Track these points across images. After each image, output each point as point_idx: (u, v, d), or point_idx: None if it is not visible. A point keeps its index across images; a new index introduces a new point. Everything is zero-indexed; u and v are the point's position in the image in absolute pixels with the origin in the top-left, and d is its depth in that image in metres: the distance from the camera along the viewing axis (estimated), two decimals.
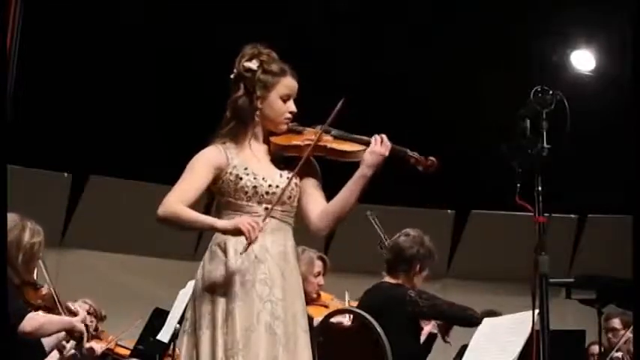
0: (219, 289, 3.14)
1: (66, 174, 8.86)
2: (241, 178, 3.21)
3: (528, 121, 3.25)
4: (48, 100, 8.09)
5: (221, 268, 3.16)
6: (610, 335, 6.32)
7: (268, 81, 3.28)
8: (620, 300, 4.81)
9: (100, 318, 5.85)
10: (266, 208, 3.19)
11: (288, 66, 3.35)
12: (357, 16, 8.14)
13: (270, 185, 3.22)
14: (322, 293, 5.55)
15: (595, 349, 6.47)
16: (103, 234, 8.84)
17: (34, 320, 3.99)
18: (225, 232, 3.13)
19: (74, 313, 4.49)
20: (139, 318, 6.10)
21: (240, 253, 3.10)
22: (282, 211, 3.24)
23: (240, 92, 3.29)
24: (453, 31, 8.27)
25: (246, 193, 3.21)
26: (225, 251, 3.17)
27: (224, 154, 3.26)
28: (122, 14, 7.96)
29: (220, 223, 3.15)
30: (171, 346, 5.43)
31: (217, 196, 3.29)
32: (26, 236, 4.12)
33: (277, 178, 3.25)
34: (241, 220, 3.08)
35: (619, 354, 5.96)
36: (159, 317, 5.59)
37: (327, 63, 8.03)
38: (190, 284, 5.42)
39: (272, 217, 3.20)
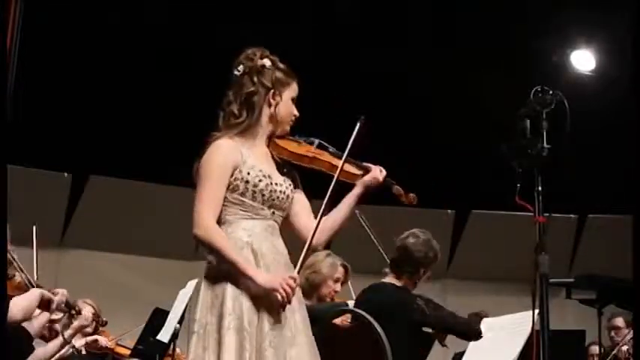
0: (245, 289, 3.11)
1: (66, 174, 8.86)
2: (260, 181, 3.20)
3: (528, 121, 3.25)
4: (48, 100, 8.09)
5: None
6: (612, 334, 6.32)
7: (283, 80, 3.31)
8: (620, 300, 4.81)
9: (101, 323, 5.84)
10: (273, 212, 3.22)
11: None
12: (356, 16, 8.14)
13: (281, 191, 3.25)
14: (335, 300, 5.53)
15: (595, 349, 6.47)
16: (103, 234, 8.84)
17: None
18: (258, 290, 3.08)
19: (72, 307, 4.51)
20: (138, 318, 6.09)
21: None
22: (281, 216, 3.28)
23: (255, 88, 3.27)
24: (453, 31, 8.27)
25: (263, 196, 3.20)
26: (254, 252, 3.16)
27: (239, 151, 3.22)
28: (122, 14, 7.96)
29: (260, 278, 3.08)
30: (172, 346, 5.43)
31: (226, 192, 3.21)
32: None
33: (284, 184, 3.28)
34: (279, 283, 3.06)
35: (625, 347, 5.96)
36: (159, 317, 5.58)
37: (326, 63, 8.04)
38: (190, 284, 5.45)
39: (275, 222, 3.24)
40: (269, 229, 3.21)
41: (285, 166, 3.32)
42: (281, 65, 3.33)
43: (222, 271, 3.13)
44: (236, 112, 3.27)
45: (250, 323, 3.06)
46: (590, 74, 8.57)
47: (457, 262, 9.46)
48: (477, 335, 4.54)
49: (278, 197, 3.23)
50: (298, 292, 3.21)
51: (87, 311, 5.32)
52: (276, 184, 3.23)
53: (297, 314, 3.19)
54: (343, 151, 3.31)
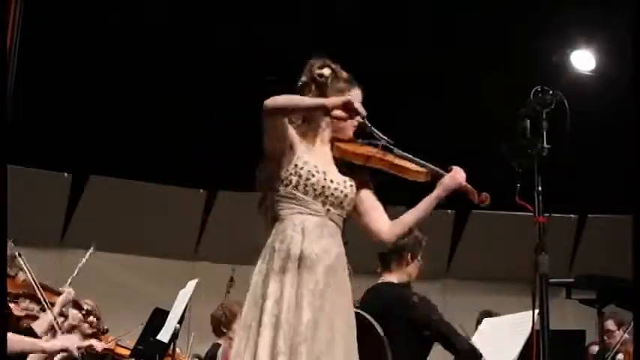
0: (287, 274, 3.17)
1: (66, 174, 8.86)
2: (313, 175, 3.25)
3: (528, 121, 3.25)
4: (48, 100, 8.09)
5: (294, 253, 3.19)
6: (605, 337, 6.32)
7: (342, 87, 3.38)
8: (620, 300, 4.80)
9: (101, 330, 5.83)
10: (328, 210, 3.26)
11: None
12: (356, 17, 8.14)
13: (336, 188, 3.28)
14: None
15: (595, 348, 6.48)
16: (103, 234, 8.84)
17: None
18: (333, 108, 3.19)
19: (79, 307, 4.50)
20: (138, 318, 6.09)
21: (363, 118, 3.24)
22: (339, 215, 3.31)
23: (312, 95, 3.36)
24: (453, 31, 8.27)
25: (315, 190, 3.25)
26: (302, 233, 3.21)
27: (297, 141, 3.30)
28: (122, 15, 7.96)
29: (329, 100, 3.22)
30: (172, 346, 5.42)
31: (278, 185, 3.28)
32: None
33: (342, 183, 3.32)
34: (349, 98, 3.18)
35: (620, 356, 5.96)
36: (159, 317, 5.58)
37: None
38: (190, 284, 5.45)
39: (332, 220, 3.28)
40: (322, 227, 3.25)
41: (349, 167, 3.37)
42: (341, 74, 3.42)
43: (266, 269, 3.20)
44: (294, 119, 3.34)
45: (287, 321, 3.10)
46: (590, 74, 8.57)
47: (457, 262, 9.46)
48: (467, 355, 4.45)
49: (332, 194, 3.27)
50: (347, 293, 3.26)
51: (74, 312, 5.30)
52: (331, 180, 3.28)
53: (338, 317, 3.21)
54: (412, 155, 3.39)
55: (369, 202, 3.42)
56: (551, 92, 3.26)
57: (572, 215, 9.58)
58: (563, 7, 7.74)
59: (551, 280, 3.15)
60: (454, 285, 9.22)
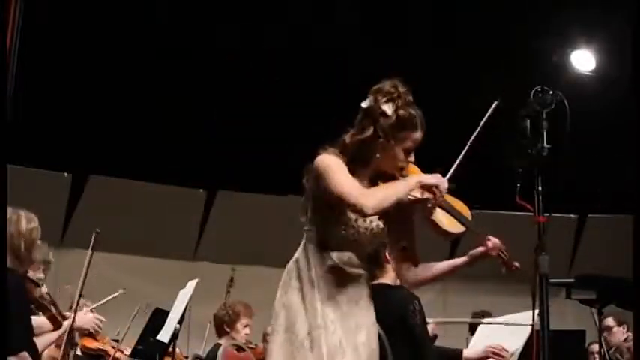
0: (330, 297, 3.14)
1: (66, 174, 8.86)
2: (367, 229, 3.18)
3: (528, 121, 3.25)
4: (48, 100, 8.10)
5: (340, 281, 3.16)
6: (605, 334, 6.33)
7: (398, 135, 3.20)
8: (620, 300, 4.81)
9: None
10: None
11: (419, 114, 3.30)
12: (356, 17, 8.14)
13: (377, 225, 3.21)
14: None
15: (595, 347, 6.48)
16: (103, 234, 8.82)
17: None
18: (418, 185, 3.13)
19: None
20: (138, 318, 6.10)
21: (431, 211, 3.18)
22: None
23: (368, 134, 3.19)
24: (453, 31, 8.27)
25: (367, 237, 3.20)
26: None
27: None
28: (122, 15, 7.96)
29: (420, 178, 3.17)
30: (172, 346, 5.42)
31: (325, 209, 3.16)
32: (23, 224, 4.18)
33: (376, 220, 3.21)
34: (432, 179, 3.14)
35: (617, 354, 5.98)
36: (159, 317, 5.58)
37: (326, 63, 8.04)
38: (190, 284, 5.45)
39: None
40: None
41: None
42: (406, 111, 3.23)
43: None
44: (348, 141, 3.21)
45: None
46: (590, 74, 8.57)
47: None
48: None
49: (373, 228, 3.20)
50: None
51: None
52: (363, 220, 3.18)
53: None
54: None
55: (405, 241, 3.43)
56: (551, 92, 3.25)
57: (572, 215, 9.58)
58: (563, 7, 7.74)
59: (551, 280, 3.14)
60: (454, 285, 9.20)
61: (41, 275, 4.77)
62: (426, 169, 3.37)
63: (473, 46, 8.20)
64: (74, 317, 4.69)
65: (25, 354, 3.87)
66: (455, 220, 3.35)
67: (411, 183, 3.13)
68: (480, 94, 8.15)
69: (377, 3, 8.14)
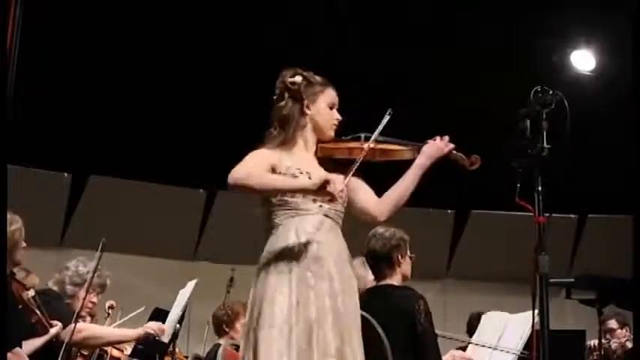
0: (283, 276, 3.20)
1: (66, 174, 8.86)
2: (297, 177, 3.26)
3: (528, 121, 3.25)
4: (48, 100, 8.09)
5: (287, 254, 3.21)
6: (608, 336, 6.32)
7: (315, 90, 3.42)
8: (620, 300, 4.81)
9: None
10: (320, 206, 3.27)
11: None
12: (357, 17, 8.14)
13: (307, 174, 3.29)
14: None
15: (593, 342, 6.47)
16: (103, 234, 8.83)
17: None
18: (311, 190, 3.15)
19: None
20: (138, 318, 6.09)
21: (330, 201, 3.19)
22: (336, 211, 3.33)
23: (286, 102, 3.40)
24: (453, 31, 8.27)
25: None
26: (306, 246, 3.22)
27: (276, 157, 3.31)
28: (122, 15, 7.96)
29: (309, 184, 3.17)
30: (172, 346, 5.42)
31: (268, 197, 3.31)
32: None
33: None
34: (327, 177, 3.12)
35: (614, 345, 5.98)
36: (159, 317, 5.58)
37: (326, 63, 8.02)
38: (190, 284, 5.45)
39: (327, 216, 3.29)
40: (320, 224, 3.26)
41: (335, 164, 3.38)
42: (314, 78, 3.45)
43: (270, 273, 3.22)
44: (273, 129, 3.40)
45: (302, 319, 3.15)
46: (590, 74, 8.57)
47: (457, 262, 9.45)
48: None
49: None
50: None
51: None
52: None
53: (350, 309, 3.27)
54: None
55: (356, 186, 3.42)
56: (551, 92, 3.25)
57: (572, 215, 9.58)
58: (563, 7, 7.74)
59: (551, 280, 3.14)
60: (454, 285, 9.21)
61: (35, 280, 4.75)
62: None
63: (473, 46, 8.19)
64: (74, 328, 4.62)
65: (18, 350, 3.86)
66: (399, 145, 3.47)
67: (295, 184, 3.23)
68: (480, 94, 8.19)
69: (377, 3, 8.14)
